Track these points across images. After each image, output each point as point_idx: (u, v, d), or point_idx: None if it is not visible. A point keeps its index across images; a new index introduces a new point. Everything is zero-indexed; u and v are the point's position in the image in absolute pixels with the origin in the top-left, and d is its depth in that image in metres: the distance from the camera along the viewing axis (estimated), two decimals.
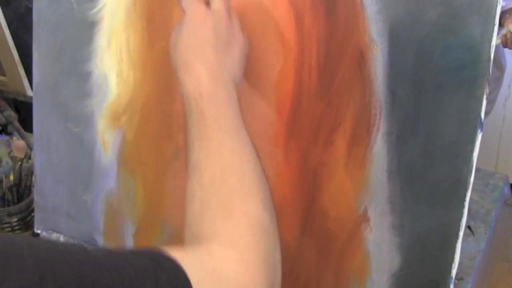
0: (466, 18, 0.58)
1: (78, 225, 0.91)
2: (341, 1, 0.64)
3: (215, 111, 0.56)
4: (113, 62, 0.81)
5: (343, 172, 0.68)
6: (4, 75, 1.43)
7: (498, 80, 1.94)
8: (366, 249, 0.69)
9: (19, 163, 1.13)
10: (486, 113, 1.26)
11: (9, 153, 1.15)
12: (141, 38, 0.78)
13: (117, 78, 0.81)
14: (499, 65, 1.90)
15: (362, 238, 0.69)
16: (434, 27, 0.59)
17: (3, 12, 1.33)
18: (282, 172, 0.71)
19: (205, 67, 0.58)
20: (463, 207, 0.62)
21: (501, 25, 1.73)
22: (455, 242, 0.63)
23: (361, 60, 0.64)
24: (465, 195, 0.62)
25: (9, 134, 1.36)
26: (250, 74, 0.69)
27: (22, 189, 1.12)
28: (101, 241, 0.89)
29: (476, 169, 0.61)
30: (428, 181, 0.64)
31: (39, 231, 0.95)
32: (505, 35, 1.72)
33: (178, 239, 0.79)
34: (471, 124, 0.60)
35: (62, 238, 0.93)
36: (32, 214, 1.05)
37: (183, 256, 0.45)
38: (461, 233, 0.63)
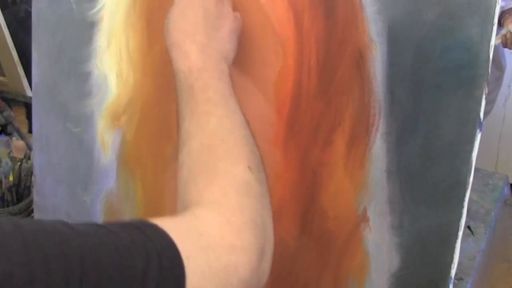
0: (465, 18, 0.58)
1: None
2: (340, 1, 0.64)
3: (202, 82, 0.57)
4: (113, 62, 0.80)
5: (343, 172, 0.68)
6: (4, 75, 1.43)
7: (498, 80, 1.94)
8: (366, 249, 0.69)
9: (19, 163, 1.13)
10: (486, 113, 1.26)
11: (9, 153, 1.15)
12: (140, 38, 0.78)
13: (116, 78, 0.81)
14: (499, 65, 1.89)
15: (361, 238, 0.69)
16: (433, 27, 0.59)
17: (3, 13, 1.33)
18: (281, 172, 0.71)
19: (195, 44, 0.59)
20: (462, 207, 0.62)
21: (500, 25, 1.73)
22: (454, 242, 0.63)
23: (360, 60, 0.64)
24: (464, 195, 0.62)
25: (9, 134, 1.35)
26: (249, 74, 0.69)
27: (21, 189, 1.12)
28: None
29: (476, 169, 0.62)
30: (428, 181, 0.64)
31: None
32: (504, 35, 1.72)
33: None
34: (470, 124, 0.60)
35: None
36: (32, 215, 1.05)
37: (169, 224, 0.46)
38: (460, 233, 0.63)
